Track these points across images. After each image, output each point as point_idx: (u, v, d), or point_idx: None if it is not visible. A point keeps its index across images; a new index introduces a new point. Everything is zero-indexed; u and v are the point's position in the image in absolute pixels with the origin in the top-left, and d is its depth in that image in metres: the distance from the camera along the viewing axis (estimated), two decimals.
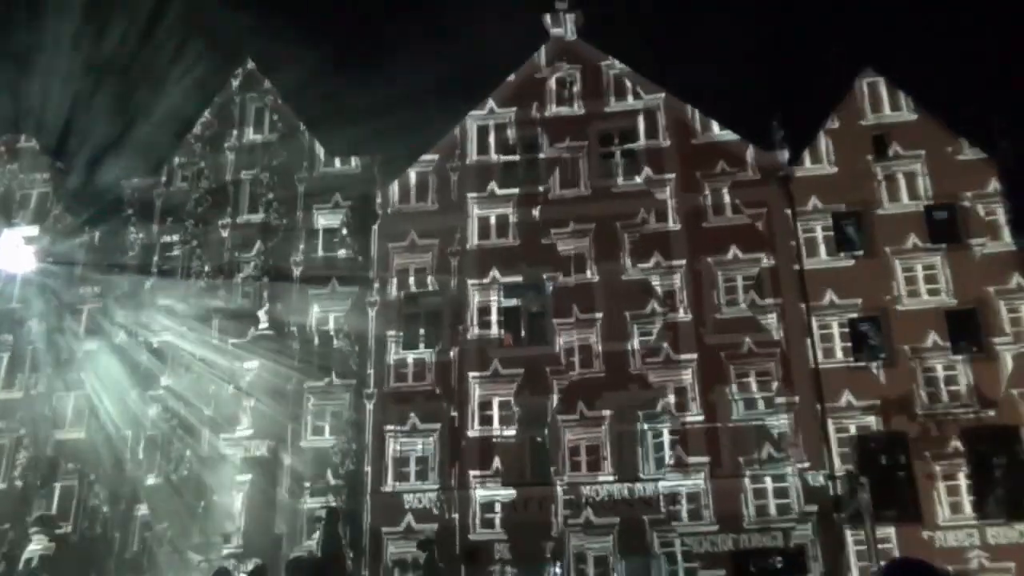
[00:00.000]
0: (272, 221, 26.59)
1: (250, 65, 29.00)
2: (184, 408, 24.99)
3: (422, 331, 24.89)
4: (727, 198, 24.53)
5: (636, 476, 22.44)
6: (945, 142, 24.17)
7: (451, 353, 24.31)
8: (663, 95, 26.17)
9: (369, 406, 24.28)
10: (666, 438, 22.68)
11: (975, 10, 48.93)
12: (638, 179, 25.25)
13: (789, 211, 24.20)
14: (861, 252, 23.63)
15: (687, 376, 23.09)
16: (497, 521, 22.46)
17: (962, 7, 46.08)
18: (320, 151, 27.52)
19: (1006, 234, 23.09)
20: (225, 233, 26.88)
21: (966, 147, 24.03)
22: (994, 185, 23.51)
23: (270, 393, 24.78)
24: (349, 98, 24.98)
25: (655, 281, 24.05)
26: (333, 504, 21.41)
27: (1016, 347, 22.22)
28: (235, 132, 28.10)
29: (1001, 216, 23.25)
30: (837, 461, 21.90)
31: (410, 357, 24.61)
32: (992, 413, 21.84)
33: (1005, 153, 23.39)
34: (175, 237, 27.10)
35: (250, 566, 20.10)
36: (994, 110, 23.65)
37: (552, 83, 26.88)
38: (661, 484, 22.18)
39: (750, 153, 24.97)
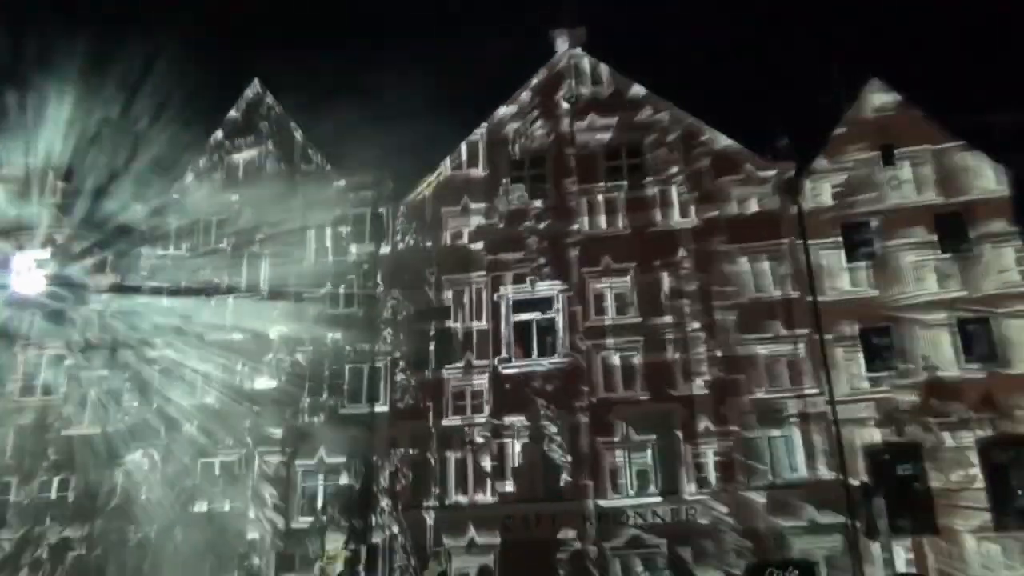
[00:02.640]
0: (279, 239, 26.78)
1: (257, 85, 29.32)
2: (195, 428, 25.16)
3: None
4: (736, 210, 24.58)
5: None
6: (954, 148, 24.08)
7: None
8: (669, 107, 26.19)
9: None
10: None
11: (984, 17, 48.78)
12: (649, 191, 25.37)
13: (797, 221, 24.13)
14: (871, 261, 23.54)
15: (706, 390, 23.09)
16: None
17: (971, 14, 45.94)
18: (327, 166, 27.74)
19: (1017, 240, 22.96)
20: (233, 251, 27.10)
21: (975, 153, 23.91)
22: (1004, 191, 23.40)
23: (282, 413, 24.92)
24: (355, 114, 25.01)
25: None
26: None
27: None
28: (245, 150, 28.37)
29: (1012, 222, 23.12)
30: (851, 472, 21.73)
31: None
32: (1008, 422, 21.63)
33: (1013, 158, 23.30)
34: (185, 257, 27.37)
35: None
36: (1002, 116, 23.40)
37: (558, 98, 26.98)
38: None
39: (759, 164, 24.94)
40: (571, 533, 22.36)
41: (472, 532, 22.82)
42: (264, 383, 25.40)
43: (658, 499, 22.37)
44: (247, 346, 25.71)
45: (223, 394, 25.38)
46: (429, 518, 23.17)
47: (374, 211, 26.67)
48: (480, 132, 27.19)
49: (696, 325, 23.67)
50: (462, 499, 23.33)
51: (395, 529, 23.09)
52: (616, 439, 23.10)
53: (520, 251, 25.46)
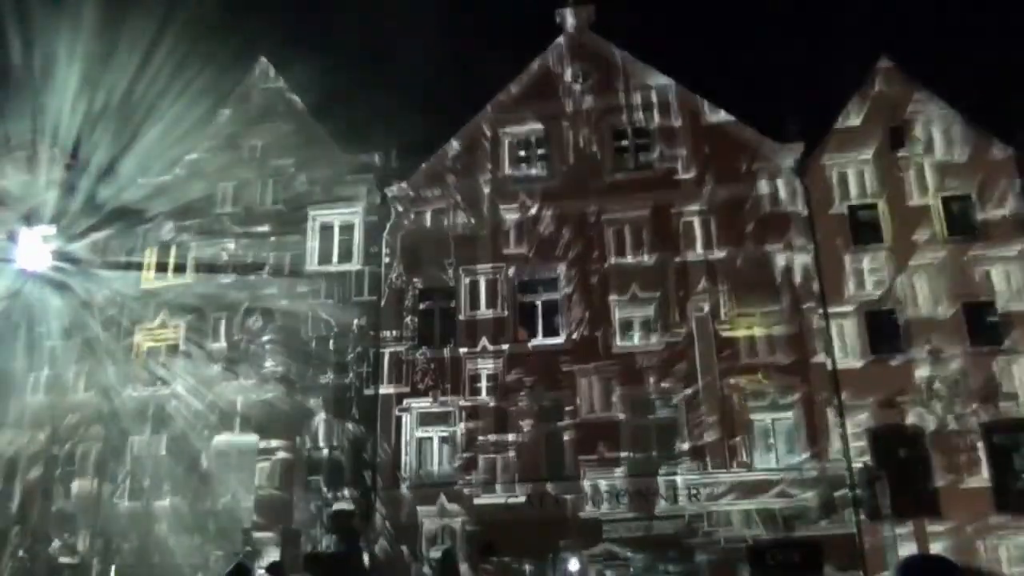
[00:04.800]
0: (287, 218, 26.74)
1: (264, 63, 29.15)
2: (200, 404, 25.28)
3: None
4: (743, 191, 24.47)
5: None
6: (964, 130, 23.93)
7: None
8: (677, 88, 26.02)
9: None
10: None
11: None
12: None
13: (805, 202, 24.05)
14: (878, 245, 23.47)
15: (705, 370, 23.11)
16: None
17: None
18: (334, 145, 27.62)
19: None
20: (240, 230, 27.08)
21: (985, 136, 23.77)
22: (1014, 176, 23.28)
23: (286, 389, 25.00)
24: (362, 93, 24.89)
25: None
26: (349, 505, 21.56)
27: None
28: (251, 129, 28.25)
29: (1021, 206, 23.02)
30: (855, 455, 21.77)
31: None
32: (1012, 406, 21.65)
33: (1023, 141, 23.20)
34: (192, 235, 27.36)
35: (267, 561, 20.26)
36: (1013, 101, 23.27)
37: (565, 78, 26.79)
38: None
39: (767, 146, 24.81)
40: None
41: None
42: (268, 361, 25.46)
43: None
44: (251, 325, 25.72)
45: (230, 372, 25.50)
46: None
47: (382, 189, 26.59)
48: (485, 113, 27.01)
49: (704, 308, 23.66)
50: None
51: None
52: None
53: (529, 236, 25.38)
